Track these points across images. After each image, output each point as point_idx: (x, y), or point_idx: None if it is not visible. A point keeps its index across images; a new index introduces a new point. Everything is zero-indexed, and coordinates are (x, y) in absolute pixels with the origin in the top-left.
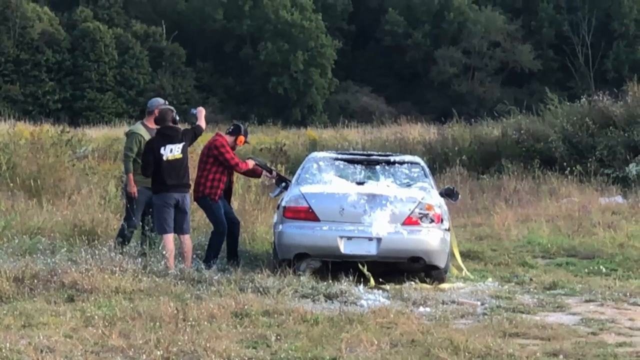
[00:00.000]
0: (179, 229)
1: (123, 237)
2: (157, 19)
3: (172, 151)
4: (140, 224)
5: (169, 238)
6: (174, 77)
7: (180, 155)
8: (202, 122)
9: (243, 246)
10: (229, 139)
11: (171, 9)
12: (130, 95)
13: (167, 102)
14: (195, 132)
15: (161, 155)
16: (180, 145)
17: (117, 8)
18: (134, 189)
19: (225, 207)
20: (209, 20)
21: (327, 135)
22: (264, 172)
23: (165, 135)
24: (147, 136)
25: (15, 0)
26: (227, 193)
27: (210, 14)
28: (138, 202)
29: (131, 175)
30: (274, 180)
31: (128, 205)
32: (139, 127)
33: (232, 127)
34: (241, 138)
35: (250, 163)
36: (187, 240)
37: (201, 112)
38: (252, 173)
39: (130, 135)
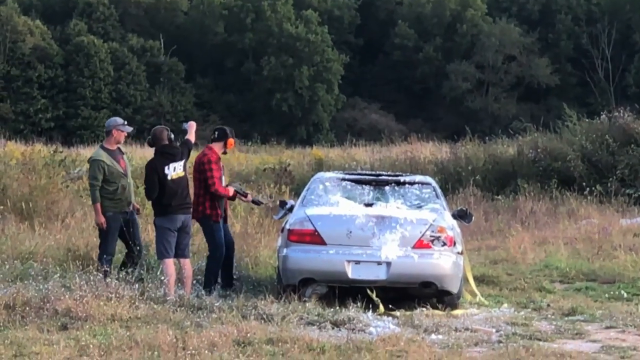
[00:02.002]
0: (180, 253)
1: (104, 269)
2: (155, 32)
3: (175, 169)
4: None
5: (170, 263)
6: (172, 93)
7: (183, 173)
8: (191, 136)
9: (245, 271)
10: (217, 145)
11: (169, 22)
12: (126, 112)
13: (125, 122)
14: (188, 147)
15: (166, 175)
16: (182, 163)
17: (113, 21)
18: (101, 219)
19: (224, 228)
20: (209, 33)
21: (334, 155)
22: (238, 196)
23: (166, 154)
24: (108, 161)
25: (6, 13)
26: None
27: (210, 27)
28: (111, 228)
29: (98, 205)
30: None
31: (100, 235)
32: (99, 153)
33: (217, 133)
34: (231, 141)
35: (231, 190)
36: (188, 265)
37: (192, 127)
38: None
39: (92, 162)
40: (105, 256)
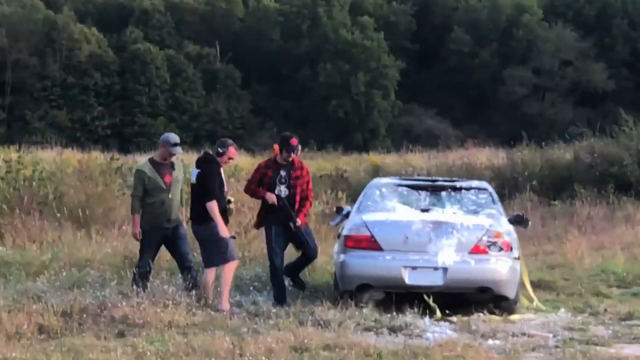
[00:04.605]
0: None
1: (136, 281)
2: (211, 39)
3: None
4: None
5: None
6: (229, 100)
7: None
8: None
9: (302, 277)
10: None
11: (225, 29)
12: (183, 120)
13: (177, 144)
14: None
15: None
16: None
17: (169, 28)
18: (136, 230)
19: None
20: (265, 40)
21: (390, 161)
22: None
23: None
24: (150, 173)
25: (62, 21)
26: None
27: (266, 34)
28: (145, 241)
29: (136, 216)
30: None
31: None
32: (143, 164)
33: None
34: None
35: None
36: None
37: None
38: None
39: (135, 173)
40: (137, 269)
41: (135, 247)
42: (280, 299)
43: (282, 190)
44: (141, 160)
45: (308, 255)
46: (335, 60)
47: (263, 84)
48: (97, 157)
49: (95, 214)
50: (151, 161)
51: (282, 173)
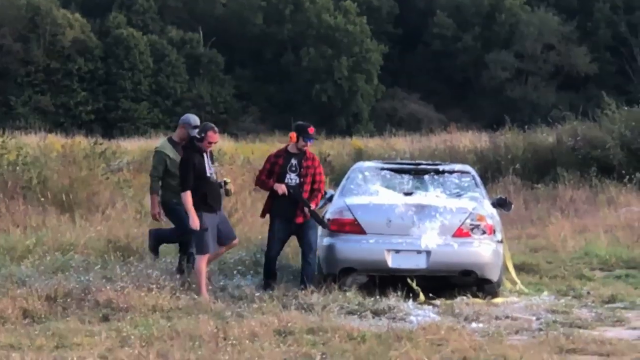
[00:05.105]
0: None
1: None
2: (194, 24)
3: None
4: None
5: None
6: (212, 85)
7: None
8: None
9: (286, 261)
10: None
11: (209, 14)
12: (166, 104)
13: (197, 126)
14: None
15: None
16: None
17: (152, 14)
18: (155, 210)
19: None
20: (248, 25)
21: (374, 145)
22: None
23: None
24: (172, 154)
25: (45, 7)
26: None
27: (249, 19)
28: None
29: (154, 196)
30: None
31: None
32: (164, 145)
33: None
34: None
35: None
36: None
37: None
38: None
39: (155, 153)
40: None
41: (119, 231)
42: (266, 286)
43: (293, 178)
44: (125, 144)
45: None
46: (318, 44)
47: (246, 68)
48: (81, 141)
49: (79, 199)
50: (170, 141)
51: (293, 161)
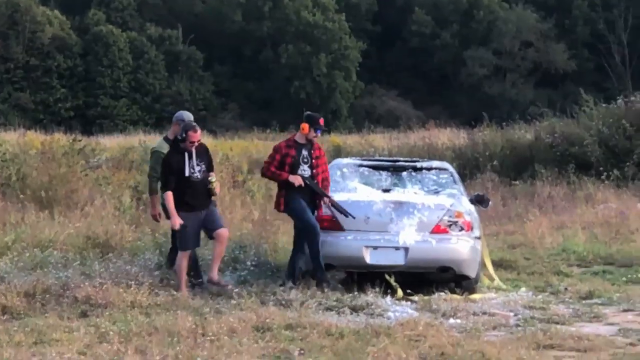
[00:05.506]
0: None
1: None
2: (173, 21)
3: None
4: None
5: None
6: (191, 82)
7: None
8: None
9: (264, 257)
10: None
11: (187, 10)
12: (145, 101)
13: (191, 121)
14: None
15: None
16: None
17: (131, 11)
18: (156, 212)
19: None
20: (227, 22)
21: (352, 141)
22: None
23: None
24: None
25: (25, 4)
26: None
27: (228, 16)
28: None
29: (154, 197)
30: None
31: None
32: (161, 145)
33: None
34: (303, 126)
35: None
36: None
37: None
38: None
39: (153, 153)
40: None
41: (97, 227)
42: (322, 277)
43: (306, 170)
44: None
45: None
46: (297, 41)
47: (225, 65)
48: (60, 138)
49: (58, 195)
50: (166, 140)
51: (304, 153)
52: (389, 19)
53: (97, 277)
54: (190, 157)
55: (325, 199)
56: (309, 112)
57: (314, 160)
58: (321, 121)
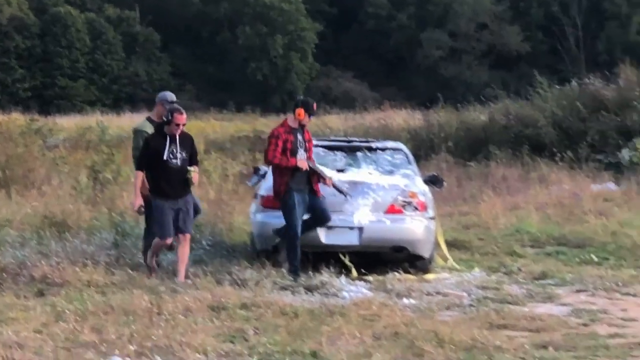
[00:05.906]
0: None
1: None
2: (131, 2)
3: None
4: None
5: None
6: (148, 63)
7: None
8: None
9: (220, 237)
10: (290, 117)
11: None
12: (103, 82)
13: (174, 101)
14: None
15: None
16: None
17: None
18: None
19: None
20: (184, 3)
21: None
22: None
23: None
24: (152, 132)
25: None
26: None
27: None
28: None
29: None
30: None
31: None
32: (144, 124)
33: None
34: (299, 111)
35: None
36: None
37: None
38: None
39: (135, 132)
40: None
41: (54, 207)
42: (295, 270)
43: (302, 154)
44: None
45: (323, 219)
46: (254, 23)
47: (182, 46)
48: (17, 118)
49: (15, 175)
50: (149, 120)
51: (299, 137)
52: (345, 1)
53: (54, 256)
54: (172, 142)
55: (327, 180)
56: (302, 97)
57: (307, 144)
58: (315, 106)
